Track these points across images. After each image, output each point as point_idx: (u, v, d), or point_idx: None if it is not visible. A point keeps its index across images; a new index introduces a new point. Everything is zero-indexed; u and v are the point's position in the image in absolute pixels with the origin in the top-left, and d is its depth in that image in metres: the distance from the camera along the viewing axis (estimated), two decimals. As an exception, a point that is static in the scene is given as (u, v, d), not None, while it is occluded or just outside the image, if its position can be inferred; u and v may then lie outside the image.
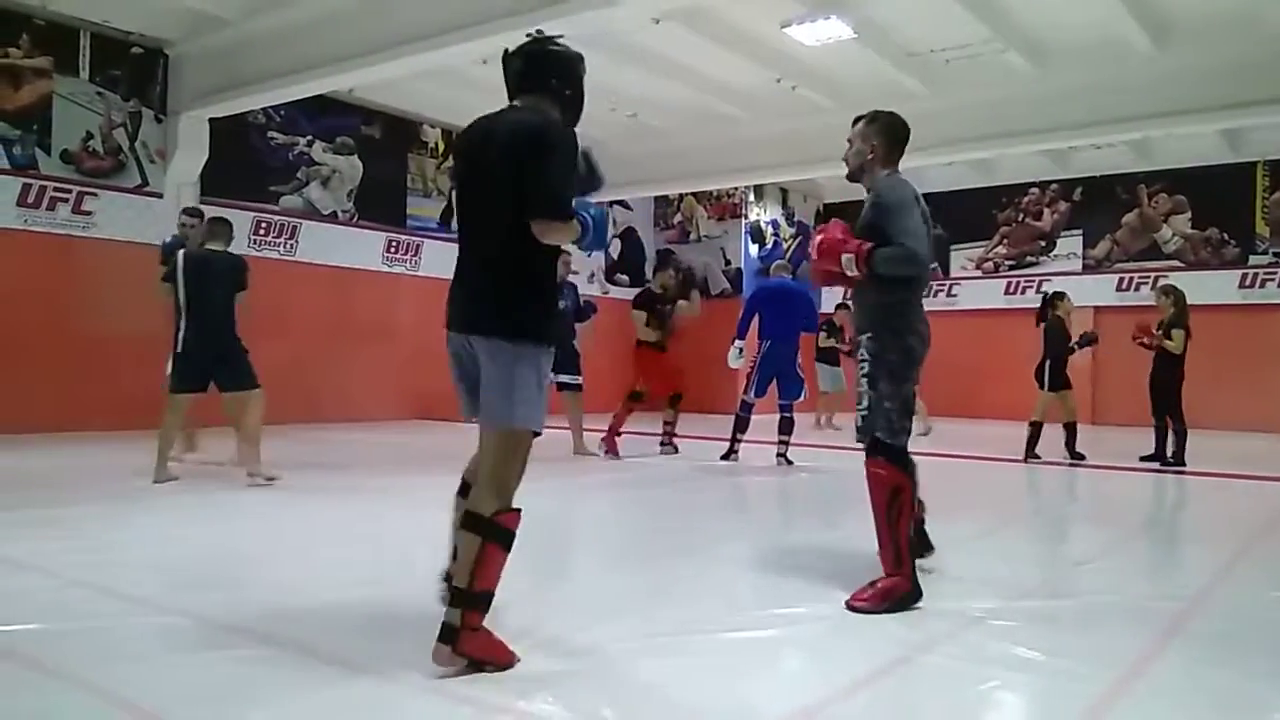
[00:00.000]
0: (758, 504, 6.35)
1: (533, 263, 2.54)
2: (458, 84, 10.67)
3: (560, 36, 2.80)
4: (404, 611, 3.06)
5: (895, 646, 2.77)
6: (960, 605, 3.28)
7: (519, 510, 2.52)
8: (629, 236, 16.12)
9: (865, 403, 3.26)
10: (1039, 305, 8.74)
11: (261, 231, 10.59)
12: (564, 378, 7.68)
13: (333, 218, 11.48)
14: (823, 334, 11.59)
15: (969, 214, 15.49)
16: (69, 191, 9.09)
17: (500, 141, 2.55)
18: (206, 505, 5.22)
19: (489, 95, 10.84)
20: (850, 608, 3.15)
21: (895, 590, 3.16)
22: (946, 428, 12.02)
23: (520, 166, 2.48)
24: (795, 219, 16.63)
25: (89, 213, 9.21)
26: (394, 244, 12.16)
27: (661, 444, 8.46)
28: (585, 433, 8.10)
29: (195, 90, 9.54)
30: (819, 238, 3.37)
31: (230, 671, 2.48)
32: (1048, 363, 8.35)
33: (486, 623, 2.45)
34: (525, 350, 2.51)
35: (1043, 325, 8.49)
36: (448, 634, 2.38)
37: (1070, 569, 4.17)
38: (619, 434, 8.09)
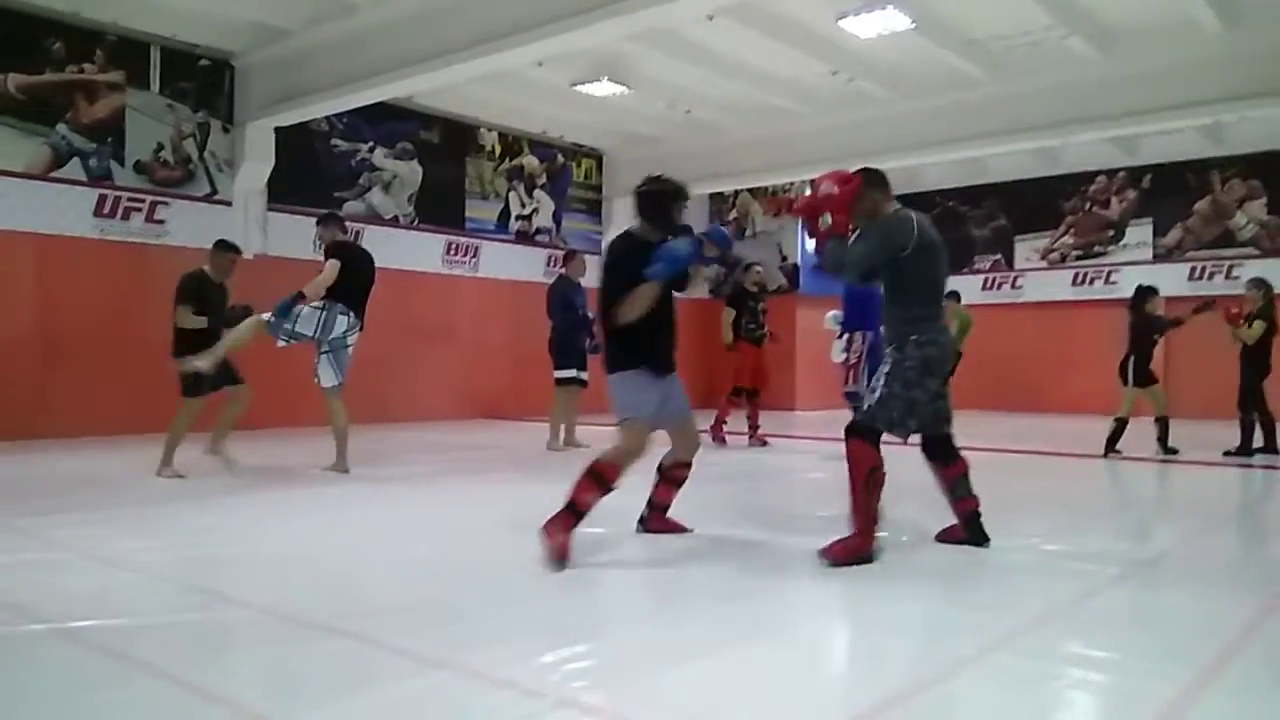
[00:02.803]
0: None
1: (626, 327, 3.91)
2: (514, 87, 10.80)
3: (663, 176, 4.13)
4: (473, 606, 3.12)
5: (966, 644, 2.74)
6: (1034, 602, 3.23)
7: (618, 468, 3.77)
8: (683, 235, 16.08)
9: (877, 395, 3.79)
10: (1132, 297, 8.46)
11: (325, 236, 10.82)
12: (574, 373, 8.11)
13: (394, 222, 11.70)
14: None
15: (1033, 203, 15.15)
16: (142, 201, 9.42)
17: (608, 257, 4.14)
18: (280, 503, 5.37)
19: (544, 97, 11.00)
20: (821, 559, 3.67)
21: (859, 549, 3.69)
22: (1016, 422, 11.78)
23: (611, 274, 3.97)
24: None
25: (161, 221, 9.53)
26: (453, 246, 12.34)
27: (750, 439, 8.73)
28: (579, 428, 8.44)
29: (261, 100, 9.80)
30: (834, 188, 3.88)
31: (306, 664, 2.55)
32: (1132, 358, 8.12)
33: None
34: (620, 374, 3.94)
35: (1130, 320, 8.28)
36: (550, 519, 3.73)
37: (1148, 565, 4.07)
38: (723, 423, 8.82)
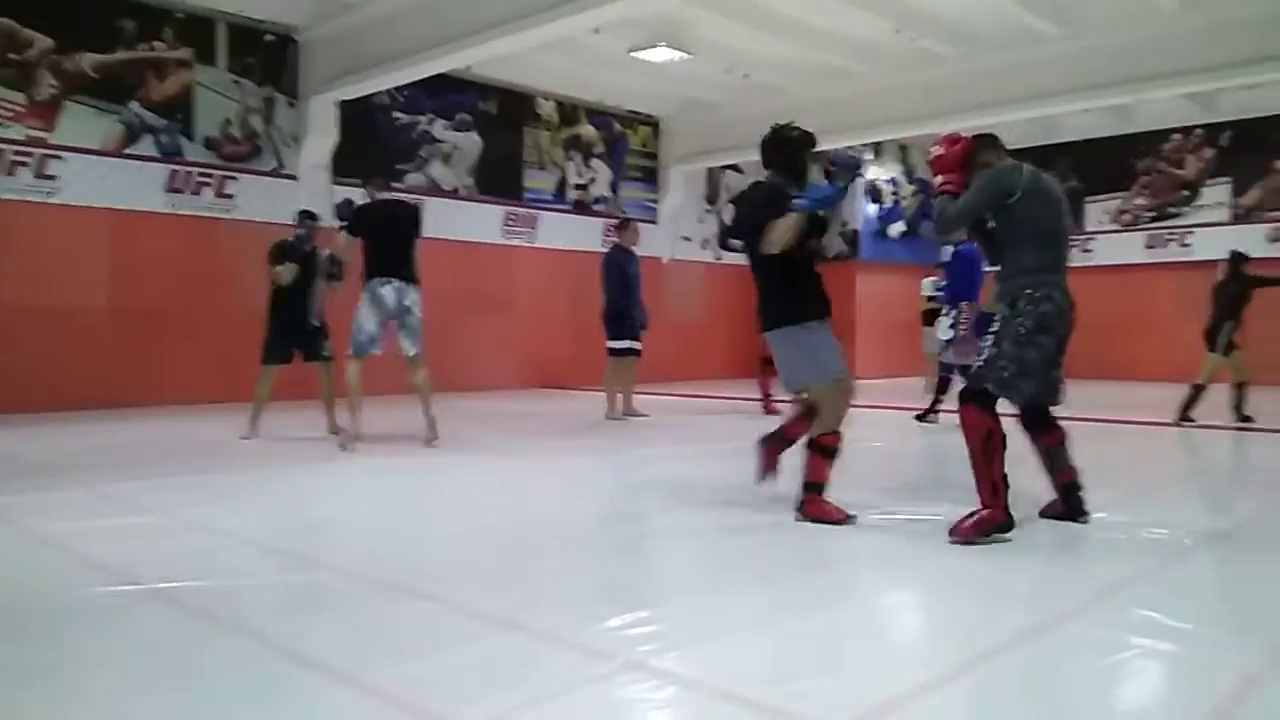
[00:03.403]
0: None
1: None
2: (571, 55, 10.76)
3: (793, 123, 4.07)
4: (540, 570, 3.20)
5: (1036, 613, 2.73)
6: (1104, 571, 3.19)
7: (839, 434, 3.91)
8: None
9: (984, 355, 3.63)
10: (1229, 263, 8.15)
11: (388, 208, 10.99)
12: (628, 343, 8.20)
13: (454, 193, 11.80)
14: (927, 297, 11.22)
15: (1105, 163, 14.69)
16: (211, 176, 9.66)
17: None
18: (355, 469, 5.53)
19: (601, 65, 10.91)
20: (952, 538, 3.49)
21: (991, 520, 3.51)
22: (1084, 389, 11.52)
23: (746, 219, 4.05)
24: (915, 176, 16.10)
25: (230, 195, 9.76)
26: (512, 216, 12.42)
27: (770, 408, 8.63)
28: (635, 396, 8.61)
29: (324, 74, 9.94)
30: (940, 149, 3.87)
31: (386, 625, 2.65)
32: (1225, 324, 7.86)
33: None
34: (801, 327, 3.94)
35: (1221, 285, 7.99)
36: (798, 505, 3.93)
37: (1222, 536, 3.98)
38: (769, 396, 8.66)
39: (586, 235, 13.09)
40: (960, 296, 7.47)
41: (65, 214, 8.74)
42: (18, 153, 8.55)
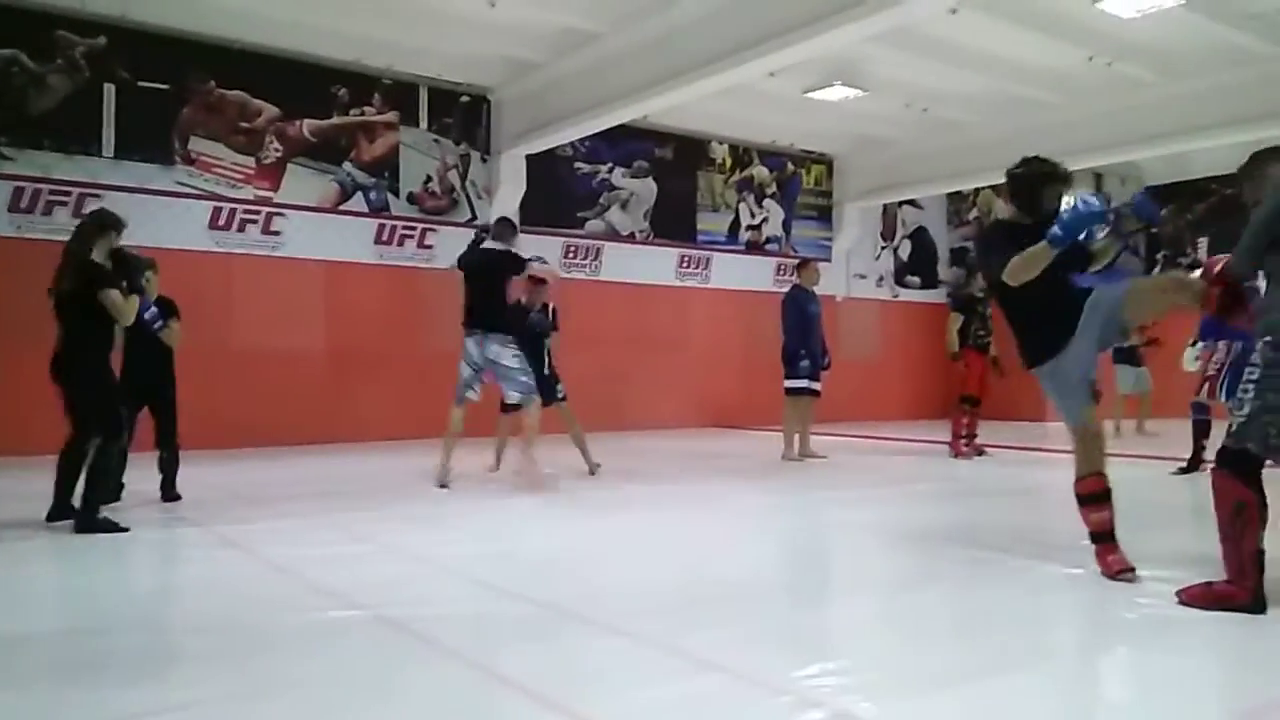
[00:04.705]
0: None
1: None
2: (744, 99, 10.91)
3: (1036, 157, 4.04)
4: (733, 613, 3.21)
5: (1255, 695, 2.50)
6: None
7: (1095, 475, 3.59)
8: (919, 237, 15.57)
9: (1245, 410, 3.08)
10: None
11: (570, 255, 11.48)
12: (805, 383, 8.11)
13: (630, 238, 12.16)
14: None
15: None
16: (414, 229, 10.42)
17: None
18: (540, 505, 5.75)
19: (775, 107, 10.95)
20: (1180, 600, 3.15)
21: (1229, 598, 3.07)
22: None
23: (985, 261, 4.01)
24: (1111, 206, 15.13)
25: (430, 246, 10.49)
26: (685, 259, 12.65)
27: (959, 450, 8.47)
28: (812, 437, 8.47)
29: (514, 130, 10.55)
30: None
31: (589, 658, 2.74)
32: None
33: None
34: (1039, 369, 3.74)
35: None
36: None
37: None
38: (961, 437, 8.51)
39: (759, 275, 13.14)
40: (1216, 334, 6.64)
41: (287, 265, 9.64)
42: (247, 211, 9.53)
